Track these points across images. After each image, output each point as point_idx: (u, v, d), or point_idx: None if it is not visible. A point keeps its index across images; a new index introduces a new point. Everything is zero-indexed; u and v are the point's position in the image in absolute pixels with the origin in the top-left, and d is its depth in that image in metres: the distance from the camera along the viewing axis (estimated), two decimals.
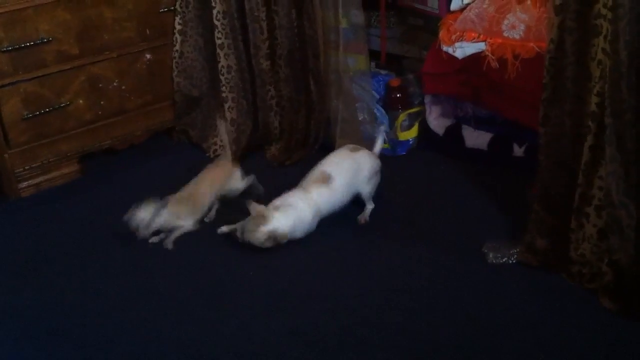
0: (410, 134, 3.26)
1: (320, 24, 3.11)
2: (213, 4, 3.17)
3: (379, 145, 2.92)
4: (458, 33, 2.79)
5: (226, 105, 3.34)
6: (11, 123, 2.97)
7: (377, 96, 3.29)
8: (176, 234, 2.71)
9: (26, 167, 3.07)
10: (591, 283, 2.27)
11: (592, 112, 2.15)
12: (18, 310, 2.38)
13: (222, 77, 3.30)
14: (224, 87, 3.30)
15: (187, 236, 2.73)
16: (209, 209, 2.83)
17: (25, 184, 3.09)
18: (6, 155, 3.01)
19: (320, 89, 3.22)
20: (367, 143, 3.04)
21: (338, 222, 2.75)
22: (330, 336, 2.17)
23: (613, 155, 2.11)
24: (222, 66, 3.28)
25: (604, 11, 2.04)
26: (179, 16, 3.28)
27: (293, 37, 3.23)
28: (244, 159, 3.21)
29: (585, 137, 2.19)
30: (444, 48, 2.86)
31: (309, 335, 2.18)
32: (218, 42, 3.24)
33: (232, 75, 3.30)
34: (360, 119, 3.20)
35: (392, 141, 3.24)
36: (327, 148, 3.20)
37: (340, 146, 3.08)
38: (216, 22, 3.21)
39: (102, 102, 3.20)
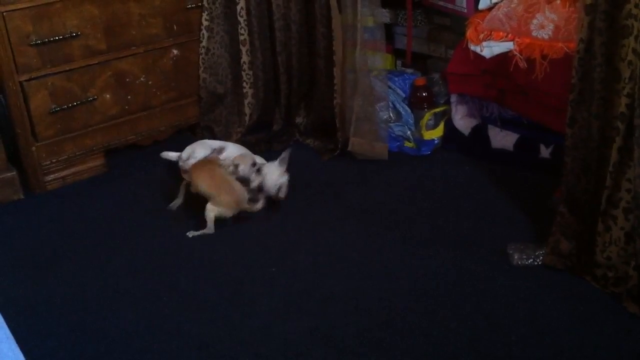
0: (435, 134, 3.24)
1: (336, 21, 3.09)
2: (237, 0, 3.18)
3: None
4: (486, 32, 2.76)
5: (246, 101, 3.36)
6: (38, 116, 3.00)
7: (403, 95, 3.28)
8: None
9: (52, 161, 3.10)
10: (616, 287, 2.24)
11: (621, 114, 2.12)
12: (40, 304, 2.39)
13: (243, 73, 3.31)
14: (244, 83, 3.32)
15: (208, 234, 2.74)
16: None
17: (51, 177, 3.12)
18: (33, 148, 3.04)
19: (333, 86, 3.22)
20: (383, 143, 3.12)
21: (361, 222, 2.75)
22: (350, 337, 2.16)
23: None
24: (244, 62, 3.29)
25: (635, 11, 2.01)
26: (206, 12, 3.29)
27: (305, 34, 3.25)
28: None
29: (614, 139, 2.16)
30: (472, 47, 2.84)
31: (329, 336, 2.17)
32: (241, 38, 3.25)
33: (254, 72, 3.32)
34: (385, 117, 3.19)
35: (417, 140, 3.22)
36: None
37: (354, 144, 3.08)
38: (239, 19, 3.22)
39: (128, 97, 3.22)
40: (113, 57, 3.13)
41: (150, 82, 3.27)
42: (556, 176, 2.52)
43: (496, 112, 3.17)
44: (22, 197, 3.06)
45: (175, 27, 3.27)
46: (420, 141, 3.23)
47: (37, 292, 2.45)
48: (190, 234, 2.71)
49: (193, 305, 2.35)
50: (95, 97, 3.12)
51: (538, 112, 2.96)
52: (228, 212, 2.72)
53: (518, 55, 2.66)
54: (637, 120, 2.07)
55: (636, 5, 2.00)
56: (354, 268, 2.49)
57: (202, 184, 2.74)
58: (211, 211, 2.71)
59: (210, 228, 2.71)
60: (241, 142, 3.31)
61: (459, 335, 2.14)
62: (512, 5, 2.70)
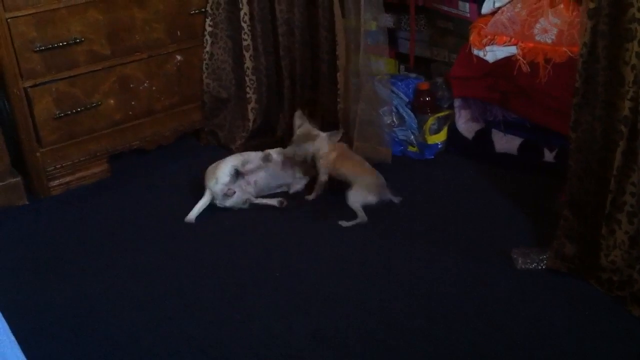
0: (439, 138, 3.24)
1: (340, 26, 3.09)
2: (240, 6, 3.19)
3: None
4: (489, 36, 2.77)
5: (249, 106, 3.36)
6: (43, 122, 3.01)
7: (406, 99, 3.28)
8: None
9: (57, 166, 3.11)
10: (620, 290, 2.23)
11: (624, 117, 2.11)
12: (43, 307, 2.40)
13: (247, 78, 3.32)
14: (248, 88, 3.33)
15: (211, 237, 2.74)
16: None
17: (55, 182, 3.12)
18: (38, 154, 3.05)
19: (336, 90, 3.22)
20: (386, 148, 3.11)
21: (364, 226, 2.75)
22: (352, 340, 2.16)
23: None
24: (247, 67, 3.30)
25: (638, 15, 2.01)
26: (210, 18, 3.30)
27: (308, 39, 3.26)
28: None
29: (617, 143, 2.15)
30: (475, 51, 2.84)
31: (331, 338, 2.17)
32: (244, 43, 3.26)
33: (257, 77, 3.32)
34: (388, 122, 3.19)
35: (421, 145, 3.22)
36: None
37: (358, 149, 3.08)
38: (242, 24, 3.23)
39: (132, 103, 3.23)
40: (117, 63, 3.13)
41: (154, 87, 3.27)
42: (560, 179, 2.52)
43: (500, 116, 3.17)
44: (26, 202, 3.07)
45: (178, 33, 3.27)
46: (423, 145, 3.22)
47: (41, 295, 2.46)
48: (344, 224, 2.73)
49: (196, 308, 2.36)
50: (100, 102, 3.13)
51: (542, 115, 2.95)
52: (372, 198, 2.74)
53: (521, 59, 2.66)
54: None
55: (639, 9, 2.00)
56: (356, 270, 2.49)
57: (343, 168, 2.82)
58: (356, 198, 2.73)
59: (362, 217, 2.72)
60: (245, 147, 3.32)
61: (461, 338, 2.14)
62: (515, 10, 2.71)
